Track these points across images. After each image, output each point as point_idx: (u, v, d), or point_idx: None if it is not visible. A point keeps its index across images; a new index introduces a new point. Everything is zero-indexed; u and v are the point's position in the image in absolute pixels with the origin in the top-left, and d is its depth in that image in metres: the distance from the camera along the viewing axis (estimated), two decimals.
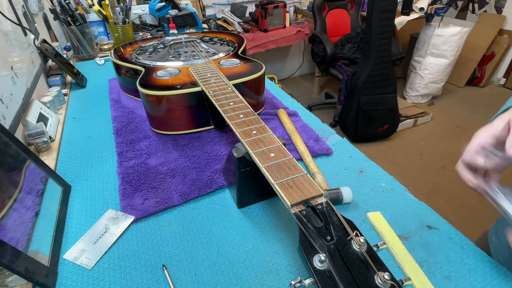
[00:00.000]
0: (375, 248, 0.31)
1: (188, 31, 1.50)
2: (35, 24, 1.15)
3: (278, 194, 0.38)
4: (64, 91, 1.01)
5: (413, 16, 2.37)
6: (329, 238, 0.32)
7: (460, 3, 2.81)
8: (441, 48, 2.35)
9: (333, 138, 0.74)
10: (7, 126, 0.66)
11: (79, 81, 1.06)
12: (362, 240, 0.30)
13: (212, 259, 0.47)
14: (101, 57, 1.32)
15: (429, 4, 2.34)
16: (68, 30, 1.25)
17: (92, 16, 1.41)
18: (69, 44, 1.32)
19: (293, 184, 0.39)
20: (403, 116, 2.31)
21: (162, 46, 0.97)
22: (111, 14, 1.31)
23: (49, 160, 0.71)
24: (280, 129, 0.77)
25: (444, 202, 1.66)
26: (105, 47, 1.39)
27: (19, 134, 0.71)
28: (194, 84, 0.70)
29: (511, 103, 0.48)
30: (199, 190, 0.59)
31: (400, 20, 2.34)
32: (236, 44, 0.96)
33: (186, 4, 1.61)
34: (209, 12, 2.47)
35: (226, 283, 0.44)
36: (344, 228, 0.32)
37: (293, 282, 0.29)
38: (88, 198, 0.60)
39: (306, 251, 0.30)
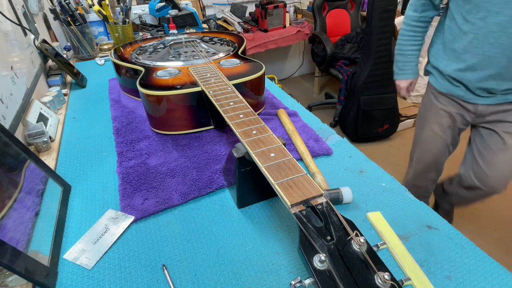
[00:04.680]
0: (375, 248, 0.31)
1: (188, 31, 1.50)
2: (35, 24, 1.15)
3: (278, 194, 0.38)
4: (64, 91, 1.01)
5: None
6: (329, 238, 0.32)
7: None
8: None
9: (333, 138, 0.74)
10: (7, 126, 0.66)
11: (79, 81, 1.06)
12: (362, 240, 0.30)
13: (212, 259, 0.47)
14: (101, 57, 1.32)
15: None
16: (68, 30, 1.25)
17: (92, 16, 1.41)
18: (69, 44, 1.32)
19: (293, 184, 0.39)
20: (403, 116, 2.31)
21: (162, 46, 0.97)
22: (111, 14, 1.31)
23: (49, 160, 0.71)
24: (280, 129, 0.77)
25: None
26: (105, 47, 1.39)
27: (19, 134, 0.71)
28: (194, 84, 0.70)
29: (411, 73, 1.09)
30: (199, 190, 0.59)
31: (400, 20, 2.34)
32: (236, 44, 0.96)
33: (186, 4, 1.62)
34: (209, 12, 2.47)
35: (226, 283, 0.44)
36: (344, 228, 0.32)
37: (293, 282, 0.29)
38: (88, 198, 0.60)
39: (306, 251, 0.30)
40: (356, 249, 0.30)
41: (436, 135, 1.12)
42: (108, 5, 1.28)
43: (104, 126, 0.83)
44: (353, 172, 0.64)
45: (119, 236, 0.51)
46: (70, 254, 0.49)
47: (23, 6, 1.07)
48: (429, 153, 1.17)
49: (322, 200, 0.36)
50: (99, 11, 1.32)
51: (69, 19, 1.22)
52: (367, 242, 0.30)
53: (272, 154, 0.44)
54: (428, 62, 1.07)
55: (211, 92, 0.64)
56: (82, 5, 1.34)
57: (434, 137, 1.13)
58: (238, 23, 2.30)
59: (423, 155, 1.18)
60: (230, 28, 2.25)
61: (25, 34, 1.00)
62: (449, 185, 1.23)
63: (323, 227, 0.33)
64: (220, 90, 0.64)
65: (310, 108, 2.58)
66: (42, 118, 0.79)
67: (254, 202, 0.57)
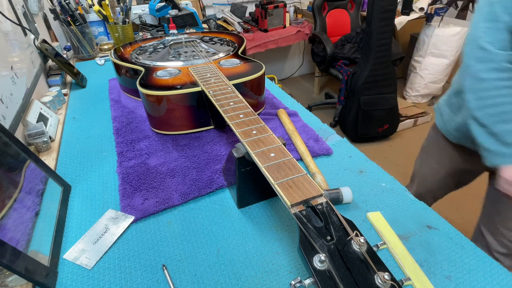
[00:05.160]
0: (375, 248, 0.31)
1: (188, 31, 1.50)
2: (35, 24, 1.15)
3: (278, 194, 0.38)
4: (64, 91, 1.01)
5: (413, 16, 2.37)
6: (329, 238, 0.32)
7: (460, 3, 2.81)
8: (441, 48, 2.35)
9: (333, 138, 0.74)
10: (7, 126, 0.66)
11: (79, 81, 1.06)
12: (362, 240, 0.30)
13: (212, 259, 0.47)
14: (101, 57, 1.32)
15: (429, 4, 2.34)
16: (68, 30, 1.25)
17: (92, 16, 1.41)
18: (69, 44, 1.32)
19: (293, 184, 0.39)
20: (403, 116, 2.31)
21: (162, 46, 0.97)
22: (111, 14, 1.31)
23: (49, 160, 0.71)
24: (280, 129, 0.77)
25: (444, 202, 1.66)
26: (105, 47, 1.39)
27: (19, 134, 0.71)
28: (194, 84, 0.70)
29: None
30: (199, 190, 0.59)
31: (400, 20, 2.34)
32: (236, 44, 0.96)
33: (186, 4, 1.61)
34: (209, 12, 2.47)
35: (226, 283, 0.44)
36: (344, 228, 0.32)
37: (293, 282, 0.29)
38: (88, 198, 0.60)
39: (306, 251, 0.30)
40: (356, 249, 0.30)
41: (437, 174, 0.94)
42: (108, 5, 1.28)
43: (104, 126, 0.82)
44: (353, 172, 0.64)
45: (119, 236, 0.51)
46: (70, 254, 0.49)
47: (23, 6, 1.07)
48: (426, 188, 1.02)
49: (322, 200, 0.36)
50: (99, 11, 1.32)
51: (69, 19, 1.22)
52: (367, 242, 0.30)
53: (272, 154, 0.44)
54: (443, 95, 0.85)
55: (211, 92, 0.64)
56: (82, 5, 1.34)
57: (434, 175, 0.95)
58: (238, 23, 2.30)
59: (420, 190, 1.05)
60: (230, 28, 2.25)
61: (25, 34, 1.00)
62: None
63: (323, 227, 0.33)
64: (220, 90, 0.64)
65: (310, 108, 2.59)
66: (42, 118, 0.79)
67: (254, 202, 0.57)
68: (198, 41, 1.00)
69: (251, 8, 2.59)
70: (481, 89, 0.65)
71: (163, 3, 1.50)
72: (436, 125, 0.90)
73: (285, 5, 2.30)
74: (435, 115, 0.89)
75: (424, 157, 1.00)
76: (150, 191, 0.59)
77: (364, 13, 2.40)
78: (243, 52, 0.92)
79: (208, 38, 1.03)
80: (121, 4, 1.33)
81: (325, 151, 0.69)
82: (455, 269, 0.45)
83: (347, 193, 0.54)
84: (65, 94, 1.00)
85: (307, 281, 0.28)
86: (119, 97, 0.96)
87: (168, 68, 0.79)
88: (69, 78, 1.13)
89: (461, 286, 0.43)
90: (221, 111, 0.56)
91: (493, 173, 0.83)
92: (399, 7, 2.26)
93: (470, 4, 2.73)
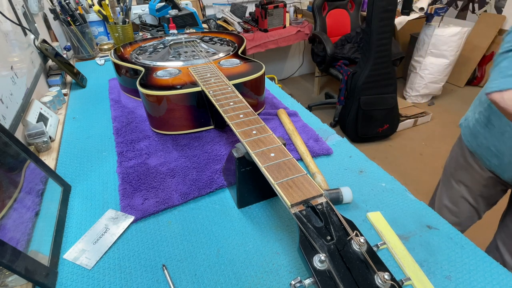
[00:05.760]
0: (375, 248, 0.31)
1: (188, 31, 1.50)
2: (35, 24, 1.15)
3: (278, 194, 0.38)
4: (64, 91, 1.01)
5: (413, 16, 2.37)
6: (329, 238, 0.32)
7: (460, 3, 2.82)
8: (441, 48, 2.35)
9: (333, 138, 0.74)
10: (7, 126, 0.66)
11: (79, 81, 1.06)
12: (362, 240, 0.30)
13: (212, 259, 0.47)
14: (101, 57, 1.32)
15: (429, 4, 2.34)
16: (68, 30, 1.25)
17: (92, 16, 1.41)
18: (69, 44, 1.32)
19: (293, 184, 0.39)
20: (403, 116, 2.31)
21: (162, 46, 0.97)
22: (111, 14, 1.31)
23: (49, 160, 0.71)
24: (280, 129, 0.77)
25: None
26: (105, 47, 1.39)
27: (19, 134, 0.71)
28: (194, 84, 0.70)
29: None
30: (199, 190, 0.59)
31: (400, 20, 2.34)
32: (236, 44, 0.96)
33: (186, 4, 1.62)
34: (209, 12, 2.47)
35: (226, 283, 0.44)
36: (344, 228, 0.32)
37: (293, 282, 0.29)
38: (88, 198, 0.60)
39: (306, 251, 0.30)
40: (356, 249, 0.30)
41: (464, 200, 0.86)
42: (108, 5, 1.28)
43: (104, 126, 0.82)
44: (353, 172, 0.64)
45: (119, 236, 0.51)
46: (70, 254, 0.49)
47: (23, 6, 1.07)
48: (451, 216, 0.91)
49: (322, 200, 0.36)
50: (99, 11, 1.32)
51: (69, 19, 1.22)
52: (367, 242, 0.30)
53: (272, 154, 0.44)
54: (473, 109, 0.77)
55: (211, 92, 0.64)
56: (82, 5, 1.34)
57: (461, 201, 0.87)
58: (238, 23, 2.30)
59: (445, 216, 0.90)
60: (230, 28, 2.25)
61: (25, 34, 1.00)
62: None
63: (323, 227, 0.33)
64: (220, 90, 0.64)
65: (310, 108, 2.59)
66: (42, 118, 0.79)
67: (254, 202, 0.57)
68: (198, 41, 1.00)
69: (251, 8, 2.59)
70: None
71: (163, 3, 1.50)
72: (464, 145, 0.80)
73: (285, 5, 2.30)
74: (463, 134, 0.79)
75: (447, 180, 0.90)
76: (150, 191, 0.59)
77: (364, 13, 2.40)
78: (243, 52, 0.92)
79: (208, 38, 1.03)
80: (121, 4, 1.33)
81: (325, 151, 0.69)
82: (455, 269, 0.45)
83: (347, 193, 0.54)
84: (65, 94, 1.00)
85: (307, 281, 0.28)
86: (119, 97, 0.96)
87: (168, 68, 0.79)
88: (69, 78, 1.13)
89: (461, 286, 0.43)
90: (221, 111, 0.56)
91: None
92: (399, 7, 2.26)
93: (470, 4, 2.73)
